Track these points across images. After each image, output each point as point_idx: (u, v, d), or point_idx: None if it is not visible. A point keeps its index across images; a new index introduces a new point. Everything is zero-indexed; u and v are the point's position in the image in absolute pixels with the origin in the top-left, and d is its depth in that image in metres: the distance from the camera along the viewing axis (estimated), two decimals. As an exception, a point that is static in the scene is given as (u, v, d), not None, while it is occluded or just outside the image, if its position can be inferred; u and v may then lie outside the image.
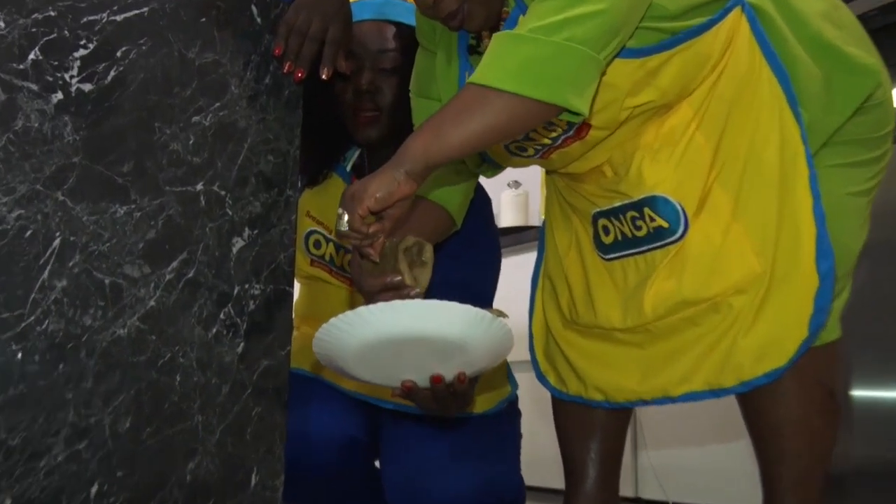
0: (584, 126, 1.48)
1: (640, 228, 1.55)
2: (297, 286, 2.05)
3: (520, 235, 3.77)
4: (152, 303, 1.36)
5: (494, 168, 1.76)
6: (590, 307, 1.64)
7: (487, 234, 2.05)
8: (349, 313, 1.31)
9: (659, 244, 1.54)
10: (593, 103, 1.42)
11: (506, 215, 4.37)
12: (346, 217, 1.37)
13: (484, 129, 1.31)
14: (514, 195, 4.36)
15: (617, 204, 1.57)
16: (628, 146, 1.54)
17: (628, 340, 1.61)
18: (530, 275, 1.88)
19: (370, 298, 1.45)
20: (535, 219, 4.47)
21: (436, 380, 1.43)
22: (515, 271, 2.95)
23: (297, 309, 2.17)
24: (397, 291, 1.43)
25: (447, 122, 1.32)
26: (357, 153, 2.09)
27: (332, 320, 1.33)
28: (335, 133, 2.05)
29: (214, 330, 1.44)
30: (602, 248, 1.63)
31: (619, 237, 1.59)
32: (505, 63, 1.32)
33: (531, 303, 1.83)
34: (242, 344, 1.47)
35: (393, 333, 1.31)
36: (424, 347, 1.34)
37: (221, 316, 1.45)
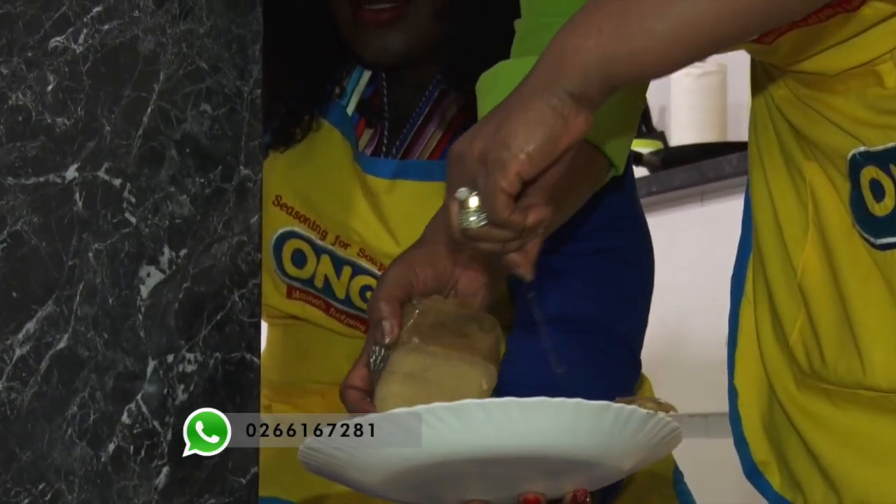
0: None
1: None
2: (263, 332, 1.71)
3: (707, 165, 2.76)
4: (-11, 403, 1.22)
5: None
6: (851, 347, 1.34)
7: (634, 221, 1.71)
8: (364, 420, 1.10)
9: None
10: None
11: (679, 120, 3.10)
12: (474, 200, 1.12)
13: (722, 5, 1.07)
14: (698, 76, 3.09)
15: None
16: None
17: None
18: (728, 249, 1.51)
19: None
20: (743, 128, 3.08)
21: (530, 503, 1.23)
22: (695, 237, 2.32)
23: (267, 371, 1.83)
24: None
25: None
26: (365, 79, 1.76)
27: (324, 435, 1.11)
28: (323, 47, 1.75)
29: (111, 447, 1.22)
30: (869, 226, 1.32)
31: None
32: None
33: (731, 325, 1.53)
34: (167, 469, 1.23)
35: (455, 454, 1.13)
36: (513, 465, 1.17)
37: (125, 419, 1.23)
